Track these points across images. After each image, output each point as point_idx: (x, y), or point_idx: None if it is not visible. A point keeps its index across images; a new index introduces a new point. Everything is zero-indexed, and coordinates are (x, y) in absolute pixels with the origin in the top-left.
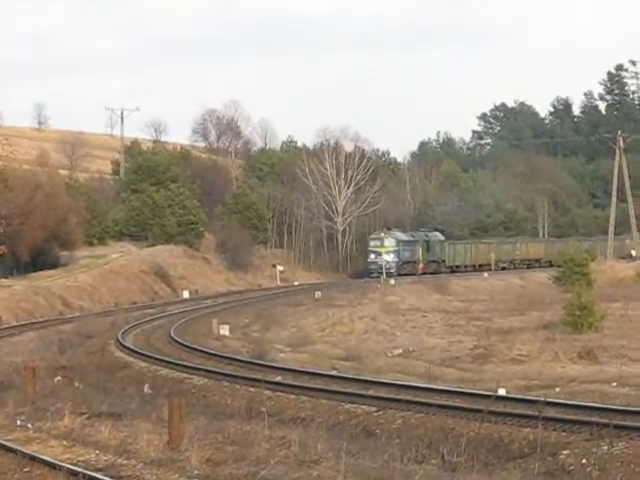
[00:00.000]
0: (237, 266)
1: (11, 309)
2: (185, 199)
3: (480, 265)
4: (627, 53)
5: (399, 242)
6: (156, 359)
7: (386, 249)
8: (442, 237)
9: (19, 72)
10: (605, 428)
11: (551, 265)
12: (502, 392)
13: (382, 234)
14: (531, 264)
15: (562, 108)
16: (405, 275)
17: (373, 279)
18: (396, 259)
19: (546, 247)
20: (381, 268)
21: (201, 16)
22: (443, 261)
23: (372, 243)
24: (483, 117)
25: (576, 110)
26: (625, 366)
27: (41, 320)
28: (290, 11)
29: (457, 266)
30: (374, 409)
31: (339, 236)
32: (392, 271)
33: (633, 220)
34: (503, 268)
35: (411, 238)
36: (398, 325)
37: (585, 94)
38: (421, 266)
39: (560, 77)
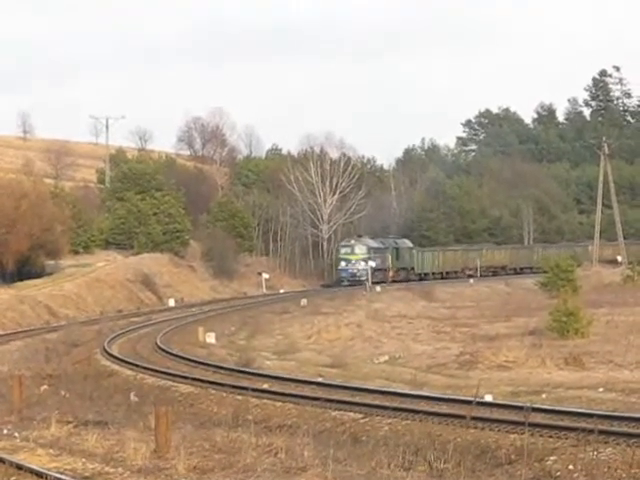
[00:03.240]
0: (223, 274)
1: None
2: (170, 207)
3: (447, 272)
4: (611, 59)
5: (370, 249)
6: (142, 367)
7: (357, 256)
8: (411, 244)
9: (3, 80)
10: (592, 434)
11: (515, 272)
12: (488, 398)
13: (352, 241)
14: (496, 271)
15: (546, 114)
16: (375, 283)
17: (349, 287)
18: (367, 267)
19: (510, 254)
20: (352, 276)
21: (185, 25)
22: (412, 268)
23: (342, 250)
24: (468, 124)
25: (560, 116)
26: (612, 372)
27: (27, 329)
28: (273, 19)
29: (426, 274)
30: (361, 416)
31: (324, 243)
32: (363, 279)
33: (619, 226)
34: (469, 276)
35: (381, 245)
36: (384, 332)
37: (569, 100)
38: (391, 274)
39: (544, 83)
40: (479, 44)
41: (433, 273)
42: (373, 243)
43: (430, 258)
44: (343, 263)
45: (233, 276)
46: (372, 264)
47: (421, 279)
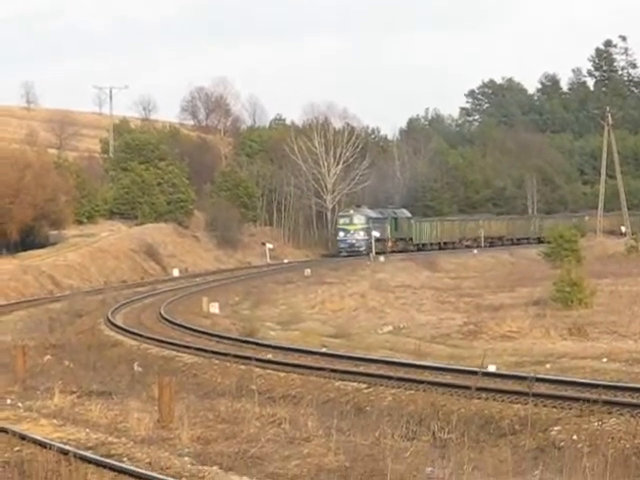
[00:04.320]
0: (226, 244)
1: (0, 288)
2: (174, 177)
3: (445, 243)
4: (616, 29)
5: (369, 219)
6: (146, 337)
7: (355, 227)
8: (409, 214)
9: (7, 50)
10: (596, 404)
11: (513, 243)
12: (492, 368)
13: (351, 211)
14: (493, 242)
15: (550, 85)
16: (375, 253)
17: (350, 258)
18: (366, 237)
19: (508, 225)
20: (351, 247)
21: None
22: (410, 239)
23: (341, 221)
24: (471, 94)
25: (564, 86)
26: (615, 342)
27: (31, 299)
28: None
29: (423, 244)
30: (364, 386)
31: (328, 214)
32: (362, 249)
33: (623, 196)
34: (467, 246)
35: (380, 215)
36: (388, 302)
37: (573, 70)
38: (389, 244)
39: (548, 53)
40: (484, 14)
41: (431, 244)
42: (372, 213)
43: (428, 228)
44: (342, 233)
45: (237, 246)
46: (376, 234)
47: (419, 249)
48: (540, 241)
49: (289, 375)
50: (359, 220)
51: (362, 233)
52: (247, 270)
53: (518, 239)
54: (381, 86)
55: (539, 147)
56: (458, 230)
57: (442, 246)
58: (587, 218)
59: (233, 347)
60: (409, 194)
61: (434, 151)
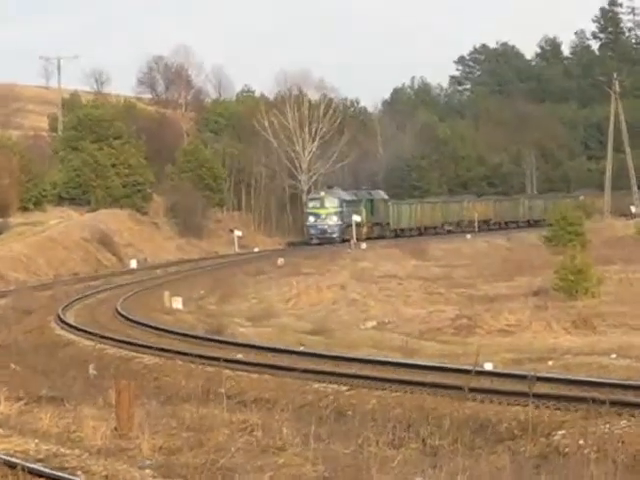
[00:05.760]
0: (190, 232)
1: None
2: (131, 157)
3: (426, 228)
4: None
5: (342, 202)
6: (102, 337)
7: (327, 211)
8: (386, 196)
9: None
10: (604, 405)
11: (500, 227)
12: (488, 367)
13: (322, 193)
14: (479, 226)
15: (550, 49)
16: (347, 241)
17: (327, 246)
18: (339, 222)
19: (494, 206)
20: (322, 233)
21: None
22: (388, 224)
23: (311, 204)
24: (461, 60)
25: (566, 51)
26: (625, 335)
27: None
28: None
29: (402, 229)
30: (346, 388)
31: (304, 196)
32: (335, 236)
33: (632, 172)
34: (449, 231)
35: (354, 198)
36: (371, 294)
37: (576, 33)
38: (365, 230)
39: (547, 14)
40: None
41: (410, 229)
42: (345, 195)
43: (407, 212)
44: (312, 218)
45: (202, 234)
46: (357, 218)
47: (397, 235)
48: (529, 224)
49: (262, 377)
50: (331, 203)
51: (335, 218)
52: (213, 260)
53: (506, 222)
54: (361, 52)
55: (538, 119)
56: (440, 213)
57: (422, 232)
58: (582, 197)
59: (199, 346)
60: (393, 173)
61: (421, 124)
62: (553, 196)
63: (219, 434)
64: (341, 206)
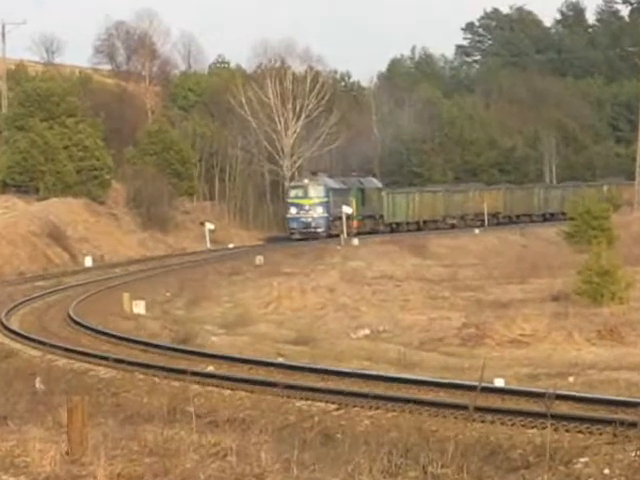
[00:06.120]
0: (154, 224)
1: None
2: (86, 138)
3: (425, 222)
4: None
5: (329, 191)
6: (51, 346)
7: (311, 201)
8: (379, 184)
9: None
10: (633, 428)
11: (511, 221)
12: (499, 383)
13: (305, 180)
14: (486, 220)
15: (572, 15)
16: (335, 236)
17: (310, 241)
18: (325, 214)
19: (504, 197)
20: (305, 227)
21: None
22: (381, 216)
23: (292, 193)
24: (470, 28)
25: (591, 17)
26: None
27: None
28: None
29: (397, 223)
30: (334, 407)
31: (286, 183)
32: (320, 230)
33: None
34: (452, 226)
35: (343, 186)
36: (364, 298)
37: None
38: (355, 224)
39: None
40: None
41: (407, 222)
42: (333, 183)
43: (404, 203)
44: (293, 209)
45: (168, 227)
46: (348, 210)
47: (392, 231)
48: (545, 219)
49: (236, 393)
50: (316, 192)
51: (320, 209)
52: (181, 258)
53: (517, 216)
54: (353, 17)
55: (558, 96)
56: (442, 205)
57: (421, 226)
58: (606, 188)
59: (163, 357)
60: (390, 158)
61: (422, 102)
62: (573, 185)
63: (187, 459)
64: (327, 196)
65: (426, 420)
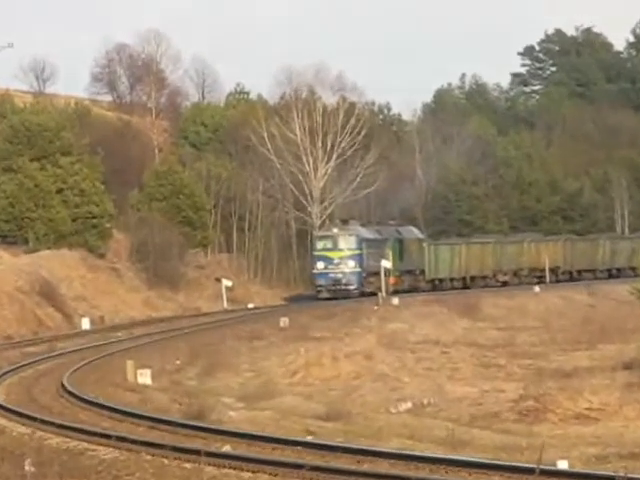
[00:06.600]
0: (162, 281)
1: None
2: (83, 180)
3: (472, 278)
4: None
5: (362, 242)
6: (42, 421)
7: (342, 253)
8: (420, 234)
9: None
10: None
11: (572, 278)
12: (563, 465)
13: (335, 230)
14: (542, 276)
15: None
16: (369, 294)
17: (337, 301)
18: (358, 268)
19: (564, 249)
20: (335, 283)
21: None
22: (422, 272)
23: (319, 244)
24: (529, 52)
25: None
26: None
27: None
28: None
29: (440, 280)
30: None
31: (315, 233)
32: (351, 288)
33: None
34: (504, 283)
35: (378, 236)
36: (406, 366)
37: None
38: (392, 280)
39: None
40: None
41: (452, 279)
42: (366, 233)
43: (448, 256)
44: (320, 264)
45: (178, 284)
46: (387, 264)
47: (434, 288)
48: (610, 275)
49: (257, 476)
50: (347, 243)
51: (352, 263)
52: (194, 319)
53: (579, 271)
54: (393, 42)
55: (632, 131)
56: (492, 258)
57: (467, 283)
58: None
59: (173, 435)
60: (436, 204)
61: (473, 138)
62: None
63: None
64: (360, 247)
65: None
